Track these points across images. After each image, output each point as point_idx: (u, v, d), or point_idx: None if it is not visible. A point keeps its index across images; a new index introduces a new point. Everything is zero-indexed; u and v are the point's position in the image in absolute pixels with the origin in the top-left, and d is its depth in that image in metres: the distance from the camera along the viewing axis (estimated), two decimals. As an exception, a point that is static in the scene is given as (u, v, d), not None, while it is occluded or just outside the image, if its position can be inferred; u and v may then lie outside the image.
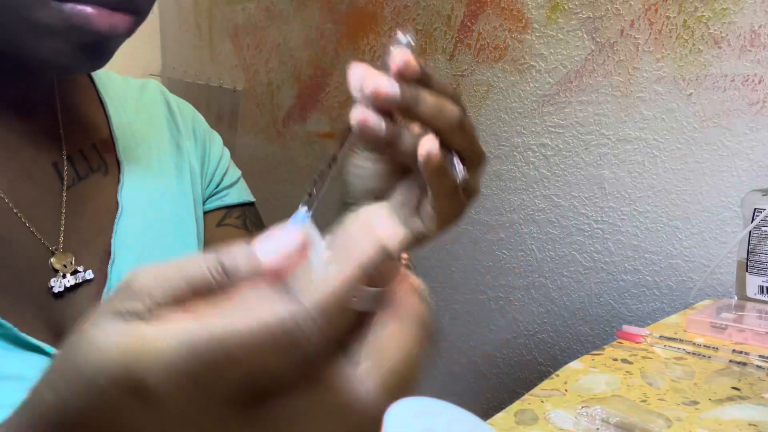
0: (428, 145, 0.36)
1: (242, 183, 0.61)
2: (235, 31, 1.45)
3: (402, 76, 0.34)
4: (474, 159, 0.42)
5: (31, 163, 0.45)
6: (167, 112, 0.57)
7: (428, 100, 0.36)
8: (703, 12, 0.85)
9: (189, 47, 1.56)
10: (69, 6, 0.37)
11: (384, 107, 0.34)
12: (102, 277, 0.45)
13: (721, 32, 0.84)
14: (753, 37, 0.81)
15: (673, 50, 0.88)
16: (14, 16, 0.38)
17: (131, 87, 0.56)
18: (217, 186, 0.58)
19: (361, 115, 0.34)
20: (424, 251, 1.19)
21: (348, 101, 1.40)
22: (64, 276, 0.43)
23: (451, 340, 1.18)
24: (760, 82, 0.82)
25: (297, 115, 1.36)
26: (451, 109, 0.37)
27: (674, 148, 0.90)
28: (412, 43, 0.35)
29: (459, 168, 0.39)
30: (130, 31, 0.41)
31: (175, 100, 0.59)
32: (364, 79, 0.34)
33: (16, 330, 0.38)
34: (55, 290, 0.42)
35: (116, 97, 0.54)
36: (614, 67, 0.93)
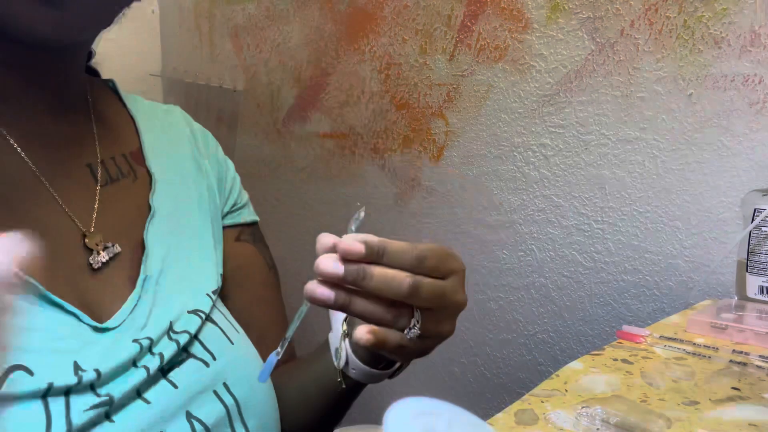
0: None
1: (250, 204, 0.70)
2: (235, 31, 1.45)
3: (346, 258, 0.41)
4: (442, 312, 0.46)
5: (68, 161, 0.52)
6: (190, 135, 0.65)
7: (375, 275, 0.41)
8: (703, 12, 0.85)
9: (189, 47, 1.56)
10: None
11: (331, 282, 0.42)
12: (129, 259, 0.52)
13: (721, 32, 0.84)
14: (753, 37, 0.81)
15: (673, 50, 0.88)
16: None
17: (157, 110, 0.64)
18: (234, 205, 0.66)
19: (309, 288, 0.42)
20: (424, 251, 1.19)
21: (348, 102, 1.41)
22: (98, 253, 0.50)
23: (451, 340, 1.18)
24: (760, 82, 0.82)
25: (297, 115, 1.36)
26: (399, 281, 0.42)
27: (674, 148, 0.90)
28: (360, 218, 0.45)
29: (413, 331, 0.44)
30: None
31: (197, 126, 0.68)
32: (318, 256, 0.42)
33: (42, 288, 0.44)
34: (95, 266, 0.50)
35: (144, 116, 0.61)
36: (614, 67, 0.93)
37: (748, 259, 0.75)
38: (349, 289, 0.42)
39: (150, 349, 0.48)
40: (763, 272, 0.74)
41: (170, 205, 0.57)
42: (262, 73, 1.41)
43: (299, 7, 1.32)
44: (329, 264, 0.41)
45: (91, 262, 0.50)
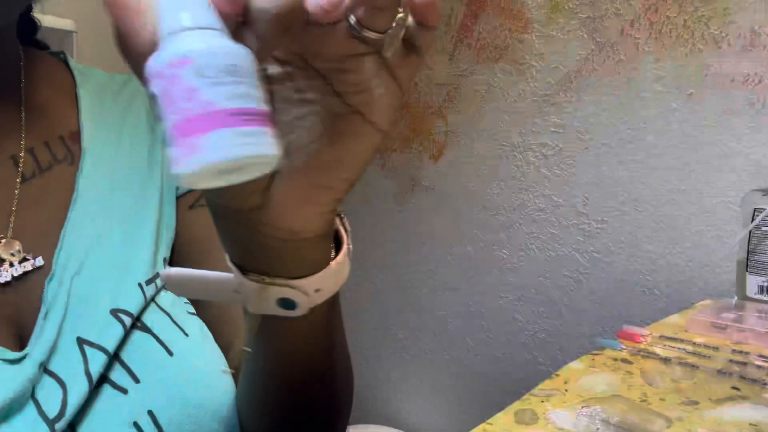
0: None
1: None
2: (235, 31, 1.45)
3: None
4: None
5: None
6: (147, 102, 0.55)
7: None
8: (703, 12, 0.85)
9: (189, 47, 1.56)
10: None
11: None
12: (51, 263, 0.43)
13: (721, 32, 0.84)
14: (753, 37, 0.81)
15: (673, 50, 0.88)
16: None
17: (114, 81, 0.56)
18: None
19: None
20: (423, 251, 1.19)
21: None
22: (12, 264, 0.42)
23: (451, 340, 1.18)
24: (760, 82, 0.82)
25: (297, 115, 1.36)
26: None
27: (674, 148, 0.90)
28: None
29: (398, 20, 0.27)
30: None
31: None
32: None
33: None
34: (1, 280, 0.41)
35: (94, 90, 0.53)
36: (614, 67, 0.93)
37: (748, 259, 0.75)
38: None
39: (57, 377, 0.39)
40: (762, 272, 0.74)
41: (104, 182, 0.48)
42: (262, 73, 1.41)
43: (299, 7, 1.32)
44: None
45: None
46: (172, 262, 0.50)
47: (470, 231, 1.12)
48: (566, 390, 0.53)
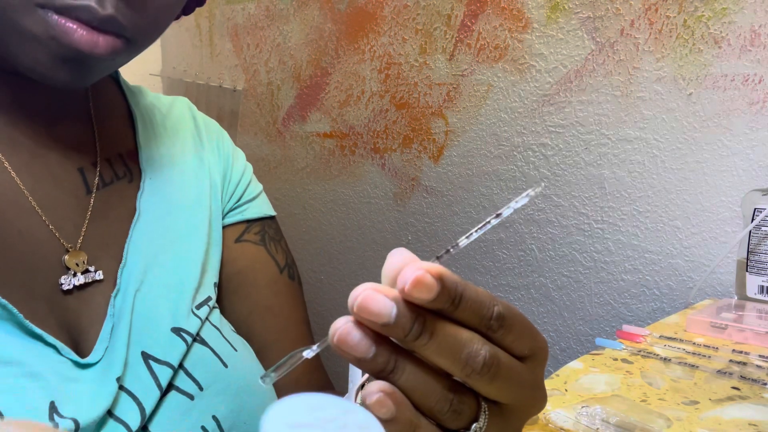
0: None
1: (263, 197, 0.61)
2: (235, 31, 1.45)
3: (409, 299, 0.26)
4: (509, 414, 0.29)
5: (57, 167, 0.47)
6: (193, 127, 0.59)
7: (440, 334, 0.26)
8: (703, 12, 0.85)
9: (189, 47, 1.56)
10: (55, 17, 0.39)
11: (373, 329, 0.26)
12: (113, 279, 0.46)
13: (721, 32, 0.84)
14: (753, 36, 0.81)
15: (673, 50, 0.88)
16: (1, 19, 0.39)
17: (161, 103, 0.59)
18: (238, 201, 0.59)
19: (340, 329, 0.26)
20: (423, 251, 1.19)
21: (348, 102, 1.40)
22: (75, 275, 0.44)
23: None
24: (760, 82, 0.82)
25: (297, 114, 1.36)
26: (471, 350, 0.27)
27: (674, 148, 0.90)
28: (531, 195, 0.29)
29: None
30: (114, 54, 0.42)
31: (202, 117, 0.61)
32: (363, 289, 0.26)
33: (21, 316, 0.39)
34: (64, 288, 0.43)
35: (146, 110, 0.57)
36: (614, 66, 0.93)
37: (748, 259, 0.75)
38: (394, 344, 0.27)
39: (131, 393, 0.41)
40: (762, 272, 0.74)
41: (161, 205, 0.51)
42: (262, 73, 1.41)
43: (299, 7, 1.32)
44: (379, 302, 0.25)
45: (62, 282, 0.43)
46: (218, 290, 0.54)
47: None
48: (566, 390, 0.53)
